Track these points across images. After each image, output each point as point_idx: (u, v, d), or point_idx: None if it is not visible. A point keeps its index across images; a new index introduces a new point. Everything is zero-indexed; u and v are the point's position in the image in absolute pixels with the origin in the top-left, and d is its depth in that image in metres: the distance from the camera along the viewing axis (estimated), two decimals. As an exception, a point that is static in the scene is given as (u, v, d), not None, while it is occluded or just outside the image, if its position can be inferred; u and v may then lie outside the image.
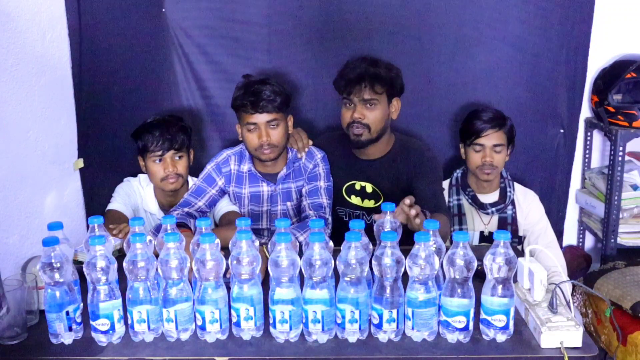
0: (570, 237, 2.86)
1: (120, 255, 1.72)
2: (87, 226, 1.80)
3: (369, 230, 1.54)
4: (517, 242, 2.35)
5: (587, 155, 2.75)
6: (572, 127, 2.62)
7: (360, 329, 1.38)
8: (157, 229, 1.79)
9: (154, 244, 1.60)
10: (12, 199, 1.87)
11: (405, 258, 1.35)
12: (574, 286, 2.37)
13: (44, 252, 1.37)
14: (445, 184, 2.41)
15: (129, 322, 1.41)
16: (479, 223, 2.36)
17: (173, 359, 1.36)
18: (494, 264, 1.34)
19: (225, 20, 2.47)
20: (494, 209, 2.33)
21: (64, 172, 2.23)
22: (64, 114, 2.25)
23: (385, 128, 2.17)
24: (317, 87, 2.54)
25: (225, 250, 1.54)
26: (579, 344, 1.36)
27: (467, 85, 2.55)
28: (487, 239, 2.33)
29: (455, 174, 2.42)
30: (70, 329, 1.41)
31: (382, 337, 1.39)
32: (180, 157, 2.20)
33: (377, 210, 1.62)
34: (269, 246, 1.56)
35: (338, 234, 1.62)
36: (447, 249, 1.39)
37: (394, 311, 1.36)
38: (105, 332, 1.40)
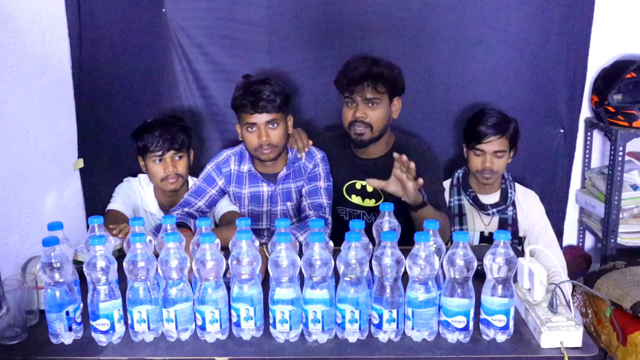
0: (570, 237, 2.86)
1: (120, 255, 1.72)
2: (87, 226, 1.81)
3: (369, 230, 1.54)
4: (517, 243, 2.35)
5: (587, 155, 2.75)
6: (572, 127, 2.62)
7: (360, 329, 1.38)
8: (157, 229, 1.79)
9: (154, 244, 1.60)
10: (12, 199, 1.86)
11: (405, 258, 1.35)
12: (574, 286, 2.37)
13: (44, 252, 1.37)
14: (446, 184, 2.41)
15: (129, 322, 1.41)
16: (479, 223, 2.36)
17: (173, 359, 1.36)
18: (494, 264, 1.34)
19: (225, 20, 2.48)
20: (494, 209, 2.32)
21: (64, 172, 2.23)
22: (64, 114, 2.25)
23: (387, 127, 2.17)
24: (317, 87, 2.54)
25: (225, 250, 1.54)
26: (579, 344, 1.36)
27: (467, 85, 2.55)
28: (487, 239, 2.33)
29: (456, 174, 2.42)
30: (70, 329, 1.41)
31: (382, 337, 1.39)
32: (180, 157, 2.20)
33: (378, 209, 1.62)
34: (269, 246, 1.56)
35: (338, 234, 1.62)
36: (447, 249, 1.39)
37: (394, 311, 1.36)
38: (105, 332, 1.40)
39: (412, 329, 1.38)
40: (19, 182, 1.91)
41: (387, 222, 1.56)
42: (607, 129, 2.51)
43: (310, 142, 2.25)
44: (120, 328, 1.42)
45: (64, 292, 1.39)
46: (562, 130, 2.61)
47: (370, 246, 1.52)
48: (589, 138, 2.73)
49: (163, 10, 2.45)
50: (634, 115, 2.43)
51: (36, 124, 2.03)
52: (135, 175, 2.32)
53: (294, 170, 2.21)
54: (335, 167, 2.25)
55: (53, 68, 2.15)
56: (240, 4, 2.46)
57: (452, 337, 1.38)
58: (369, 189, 2.23)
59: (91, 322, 1.40)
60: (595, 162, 2.78)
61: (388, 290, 1.35)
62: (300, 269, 1.37)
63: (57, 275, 1.37)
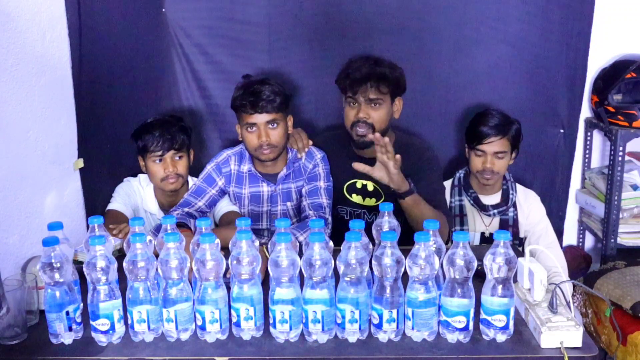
0: (570, 237, 2.86)
1: (120, 255, 1.72)
2: (87, 226, 1.81)
3: (369, 230, 1.54)
4: (518, 244, 2.35)
5: (587, 155, 2.75)
6: (572, 127, 2.62)
7: (360, 329, 1.38)
8: (157, 229, 1.79)
9: (154, 244, 1.60)
10: (12, 199, 1.86)
11: (405, 258, 1.35)
12: (574, 286, 2.37)
13: (44, 252, 1.37)
14: (448, 184, 2.41)
15: (129, 322, 1.41)
16: (480, 224, 2.36)
17: (173, 359, 1.36)
18: (494, 264, 1.34)
19: (225, 20, 2.48)
20: (495, 210, 2.32)
21: (64, 172, 2.23)
22: (64, 114, 2.25)
23: (388, 127, 2.18)
24: (317, 87, 2.54)
25: (225, 250, 1.54)
26: (579, 344, 1.36)
27: (467, 85, 2.55)
28: (488, 240, 2.33)
29: (457, 174, 2.42)
30: (70, 329, 1.41)
31: (382, 337, 1.39)
32: (180, 157, 2.20)
33: (378, 208, 1.62)
34: (269, 246, 1.56)
35: (339, 233, 1.62)
36: (447, 249, 1.39)
37: (394, 311, 1.36)
38: (105, 332, 1.40)
39: (412, 329, 1.38)
40: (19, 182, 1.91)
41: (387, 222, 1.56)
42: (607, 129, 2.51)
43: (310, 142, 2.25)
44: (120, 328, 1.42)
45: (64, 292, 1.39)
46: (562, 130, 2.61)
47: (370, 246, 1.52)
48: (589, 138, 2.73)
49: (163, 10, 2.45)
50: (634, 115, 2.43)
51: (36, 124, 2.03)
52: (135, 175, 2.32)
53: (294, 170, 2.21)
54: (335, 166, 2.25)
55: (53, 68, 2.15)
56: (240, 4, 2.46)
57: (452, 337, 1.38)
58: (370, 188, 2.23)
59: (91, 322, 1.40)
60: (595, 162, 2.78)
61: (388, 290, 1.35)
62: (300, 269, 1.37)
63: (57, 275, 1.37)
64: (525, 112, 2.52)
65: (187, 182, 2.28)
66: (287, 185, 2.21)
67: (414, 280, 1.36)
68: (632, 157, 2.66)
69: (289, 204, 2.21)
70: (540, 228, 2.35)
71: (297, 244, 1.67)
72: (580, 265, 2.70)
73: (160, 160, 2.16)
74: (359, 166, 1.92)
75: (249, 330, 1.41)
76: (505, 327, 1.37)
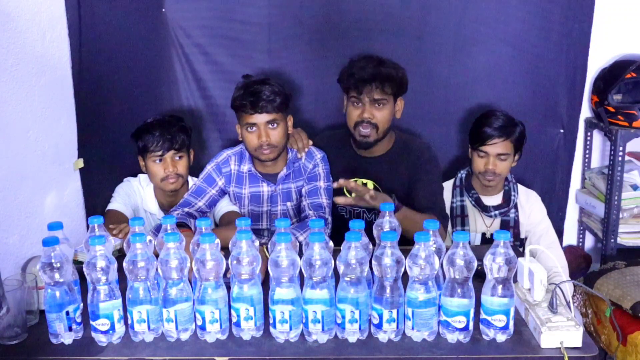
0: (570, 237, 2.87)
1: (120, 255, 1.72)
2: (87, 226, 1.81)
3: (369, 230, 1.54)
4: (519, 245, 2.35)
5: (587, 155, 2.75)
6: (572, 127, 2.62)
7: (360, 329, 1.38)
8: (157, 229, 1.79)
9: (154, 244, 1.60)
10: (12, 199, 1.86)
11: (405, 258, 1.35)
12: (574, 286, 2.37)
13: (44, 252, 1.37)
14: (449, 184, 2.41)
15: (129, 322, 1.41)
16: (481, 225, 2.36)
17: (173, 359, 1.36)
18: (494, 264, 1.34)
19: (225, 20, 2.48)
20: (496, 212, 2.32)
21: (64, 172, 2.23)
22: (64, 114, 2.25)
23: (390, 127, 2.18)
24: (317, 87, 2.55)
25: (225, 250, 1.54)
26: (579, 344, 1.36)
27: (467, 85, 2.55)
28: (488, 241, 2.32)
29: (459, 175, 2.42)
30: (70, 329, 1.41)
31: (382, 337, 1.39)
32: (180, 157, 2.20)
33: (378, 207, 1.62)
34: (269, 246, 1.56)
35: (339, 233, 1.62)
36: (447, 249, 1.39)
37: (394, 311, 1.36)
38: (105, 332, 1.40)
39: (412, 329, 1.38)
40: (19, 182, 1.91)
41: (388, 222, 1.56)
42: (607, 129, 2.51)
43: (310, 142, 2.25)
44: (120, 328, 1.42)
45: (64, 292, 1.39)
46: (562, 130, 2.61)
47: (370, 246, 1.52)
48: (589, 138, 2.73)
49: (163, 10, 2.45)
50: (634, 115, 2.44)
51: (36, 124, 2.03)
52: (135, 175, 2.32)
53: (294, 170, 2.21)
54: (335, 165, 2.25)
55: (53, 68, 2.15)
56: (240, 4, 2.46)
57: (452, 337, 1.38)
58: (370, 186, 2.23)
59: (91, 322, 1.40)
60: (595, 162, 2.78)
61: (388, 290, 1.35)
62: (300, 269, 1.37)
63: (57, 275, 1.37)
64: (525, 112, 2.52)
65: (187, 182, 2.28)
66: (287, 185, 2.21)
67: (414, 280, 1.36)
68: (632, 157, 2.66)
69: (289, 204, 2.21)
70: (541, 228, 2.35)
71: (297, 244, 1.67)
72: (580, 265, 2.70)
73: (160, 160, 2.16)
74: (339, 200, 1.92)
75: (249, 330, 1.41)
76: (505, 327, 1.37)
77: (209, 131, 2.60)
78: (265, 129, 2.05)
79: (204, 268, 1.37)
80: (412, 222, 1.87)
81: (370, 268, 1.41)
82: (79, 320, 1.43)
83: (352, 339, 1.39)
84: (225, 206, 2.22)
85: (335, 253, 1.41)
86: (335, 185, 1.93)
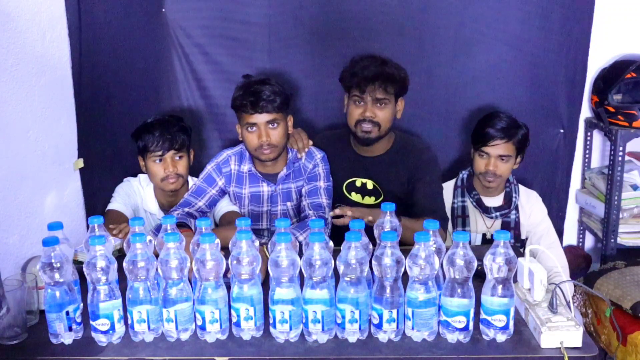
0: (570, 237, 2.86)
1: (120, 255, 1.72)
2: (87, 226, 1.81)
3: (369, 230, 1.54)
4: (520, 246, 2.35)
5: (587, 155, 2.75)
6: (572, 127, 2.62)
7: (360, 329, 1.38)
8: (157, 229, 1.79)
9: (154, 244, 1.60)
10: (12, 199, 1.86)
11: (405, 258, 1.35)
12: (574, 286, 2.37)
13: (44, 252, 1.37)
14: (451, 184, 2.41)
15: (129, 322, 1.41)
16: (482, 225, 2.36)
17: (173, 359, 1.36)
18: (494, 264, 1.34)
19: (225, 20, 2.48)
20: (497, 213, 2.32)
21: (64, 172, 2.23)
22: (64, 114, 2.25)
23: (391, 127, 2.18)
24: (317, 87, 2.55)
25: (225, 250, 1.54)
26: (579, 344, 1.36)
27: (467, 86, 2.55)
28: (489, 242, 2.32)
29: (461, 175, 2.41)
30: (70, 329, 1.41)
31: (382, 337, 1.39)
32: (180, 157, 2.20)
33: (378, 207, 1.62)
34: (269, 246, 1.56)
35: (338, 234, 1.62)
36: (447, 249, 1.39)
37: (394, 311, 1.36)
38: (105, 332, 1.40)
39: (412, 329, 1.38)
40: (19, 182, 1.91)
41: (389, 221, 1.56)
42: (607, 129, 2.51)
43: (310, 142, 2.25)
44: (120, 328, 1.42)
45: (64, 292, 1.39)
46: (562, 130, 2.61)
47: (370, 246, 1.52)
48: (589, 138, 2.73)
49: (163, 10, 2.45)
50: (634, 115, 2.43)
51: (36, 124, 2.03)
52: (135, 175, 2.32)
53: (294, 170, 2.21)
54: (335, 164, 2.25)
55: (53, 68, 2.15)
56: (240, 4, 2.46)
57: (452, 337, 1.38)
58: (369, 186, 2.23)
59: (91, 322, 1.40)
60: (595, 162, 2.78)
61: (388, 290, 1.35)
62: (300, 269, 1.37)
63: (57, 275, 1.37)
64: (525, 112, 2.52)
65: (187, 182, 2.28)
66: (287, 185, 2.21)
67: (414, 280, 1.36)
68: (632, 157, 2.66)
69: (289, 204, 2.21)
70: (542, 228, 2.35)
71: (297, 244, 1.67)
72: (580, 265, 2.70)
73: (160, 160, 2.16)
74: (337, 222, 1.89)
75: (249, 330, 1.41)
76: (505, 327, 1.37)
77: (209, 131, 2.60)
78: (266, 129, 2.05)
79: (204, 268, 1.37)
80: (411, 232, 1.86)
81: (370, 268, 1.41)
82: (79, 320, 1.43)
83: (352, 339, 1.39)
84: (225, 206, 2.22)
85: (335, 253, 1.41)
86: (331, 214, 1.92)
